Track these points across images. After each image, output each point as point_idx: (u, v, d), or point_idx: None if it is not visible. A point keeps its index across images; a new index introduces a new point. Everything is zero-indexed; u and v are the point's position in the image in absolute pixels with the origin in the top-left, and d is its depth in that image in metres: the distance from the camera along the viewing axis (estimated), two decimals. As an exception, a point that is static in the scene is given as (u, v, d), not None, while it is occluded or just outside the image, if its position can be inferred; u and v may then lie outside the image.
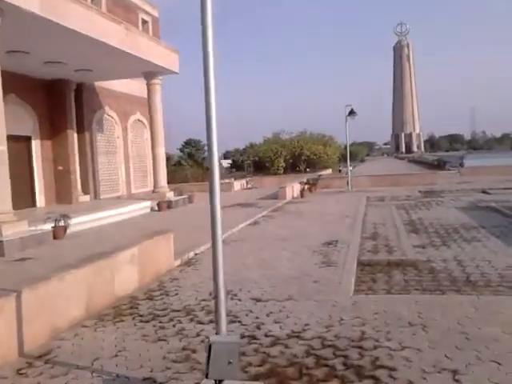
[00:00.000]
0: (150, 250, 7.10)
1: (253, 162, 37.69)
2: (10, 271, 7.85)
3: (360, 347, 4.25)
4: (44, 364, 4.23)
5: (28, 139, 16.17)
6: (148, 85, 16.79)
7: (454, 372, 3.68)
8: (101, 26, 12.22)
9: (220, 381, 3.36)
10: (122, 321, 5.30)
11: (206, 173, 36.17)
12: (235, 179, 28.14)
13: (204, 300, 5.94)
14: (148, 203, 16.41)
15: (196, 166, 37.02)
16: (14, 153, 15.71)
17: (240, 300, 5.87)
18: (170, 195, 17.28)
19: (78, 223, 12.17)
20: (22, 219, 10.24)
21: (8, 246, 9.03)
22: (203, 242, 9.71)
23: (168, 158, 40.17)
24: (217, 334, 3.49)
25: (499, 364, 3.77)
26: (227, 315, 5.25)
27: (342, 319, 4.99)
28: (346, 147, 26.73)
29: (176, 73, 17.22)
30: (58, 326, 4.95)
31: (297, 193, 19.87)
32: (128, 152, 21.39)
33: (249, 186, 26.25)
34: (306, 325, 4.88)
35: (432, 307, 5.22)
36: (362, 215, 13.71)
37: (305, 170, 36.12)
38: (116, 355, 4.33)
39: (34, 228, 10.54)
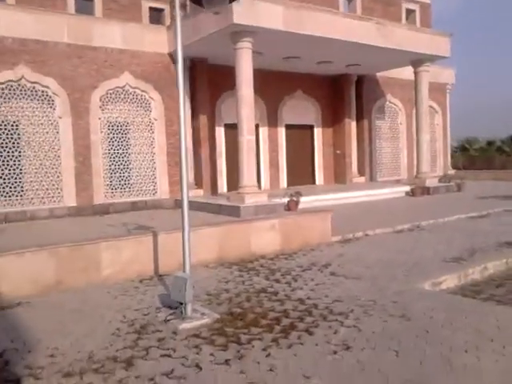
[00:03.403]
0: (295, 223, 8.66)
1: None
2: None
3: (323, 316, 4.88)
4: (157, 280, 6.71)
5: (311, 127, 19.37)
6: (415, 73, 17.09)
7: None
8: (347, 27, 13.70)
9: (184, 304, 4.99)
10: (229, 268, 7.25)
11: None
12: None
13: (299, 267, 7.17)
14: (406, 188, 17.04)
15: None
16: (300, 139, 19.30)
17: (321, 272, 6.84)
18: (432, 182, 17.25)
19: (320, 200, 14.36)
20: (263, 192, 13.27)
21: (244, 210, 12.15)
22: (388, 225, 10.35)
23: (490, 143, 37.10)
24: (183, 272, 5.10)
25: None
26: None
27: (359, 299, 5.47)
28: None
29: (445, 57, 16.79)
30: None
31: None
32: (412, 137, 21.95)
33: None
34: (326, 296, 5.63)
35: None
36: None
37: None
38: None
39: (278, 200, 13.40)
